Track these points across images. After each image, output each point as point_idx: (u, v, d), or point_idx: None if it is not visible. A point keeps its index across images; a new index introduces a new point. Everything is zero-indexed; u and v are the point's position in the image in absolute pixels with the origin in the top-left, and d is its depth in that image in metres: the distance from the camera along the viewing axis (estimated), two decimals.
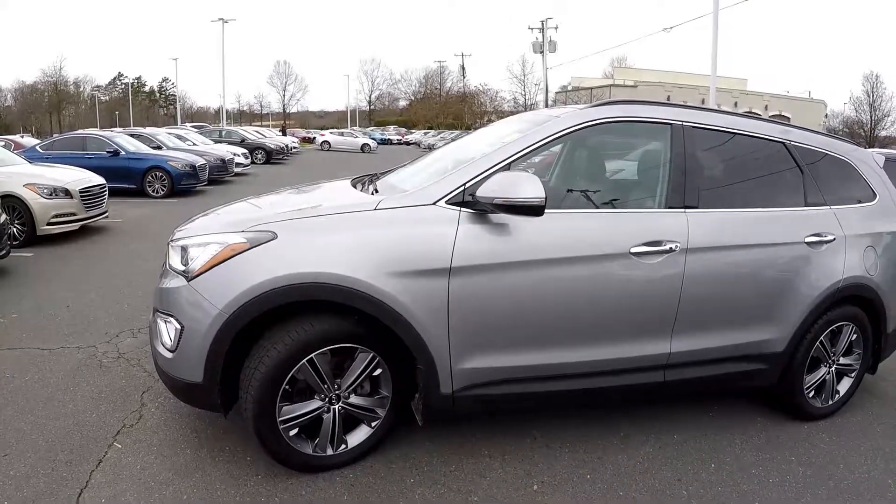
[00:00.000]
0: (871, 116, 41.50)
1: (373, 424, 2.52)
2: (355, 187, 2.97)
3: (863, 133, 40.77)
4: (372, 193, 2.73)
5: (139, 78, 78.83)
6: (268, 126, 56.20)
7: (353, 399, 2.45)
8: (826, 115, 47.11)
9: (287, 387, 2.31)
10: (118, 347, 3.86)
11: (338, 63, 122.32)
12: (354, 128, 55.16)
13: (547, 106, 40.79)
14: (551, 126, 2.68)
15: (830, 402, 3.27)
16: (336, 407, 2.42)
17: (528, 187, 2.28)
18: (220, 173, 15.12)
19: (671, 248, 2.66)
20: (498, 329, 2.45)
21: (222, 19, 37.32)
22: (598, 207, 2.76)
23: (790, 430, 3.15)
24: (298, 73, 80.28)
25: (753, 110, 44.49)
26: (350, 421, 2.49)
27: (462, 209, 2.39)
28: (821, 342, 3.14)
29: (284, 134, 35.56)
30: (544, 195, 2.29)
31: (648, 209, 2.84)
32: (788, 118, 44.94)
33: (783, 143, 3.17)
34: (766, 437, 3.06)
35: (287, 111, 75.31)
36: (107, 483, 2.37)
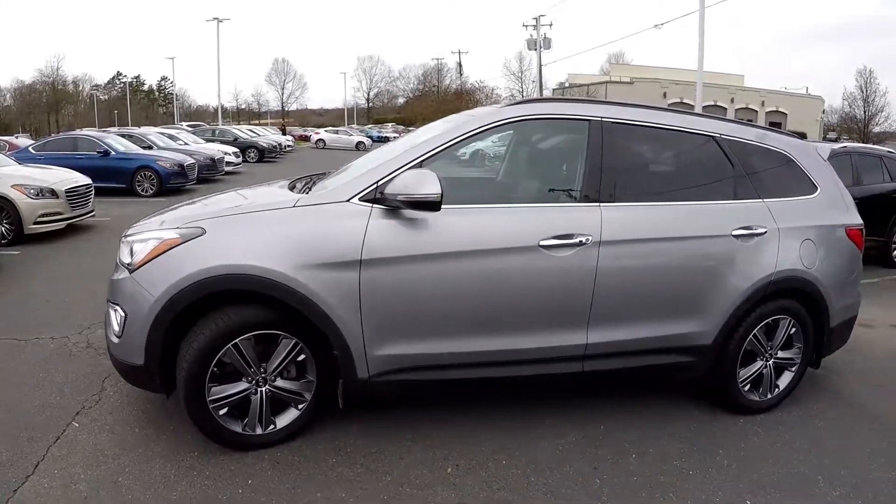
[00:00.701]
0: (864, 112, 41.64)
1: (300, 407, 2.78)
2: (293, 188, 3.16)
3: (856, 128, 40.88)
4: (304, 193, 2.91)
5: (138, 77, 79.19)
6: (266, 124, 56.53)
7: (280, 383, 2.73)
8: (823, 112, 47.19)
9: (215, 369, 2.59)
10: (88, 338, 4.16)
11: (337, 61, 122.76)
12: (351, 126, 55.40)
13: None
14: (465, 126, 2.87)
15: (769, 396, 3.30)
16: (263, 389, 2.70)
17: (427, 184, 2.51)
18: (210, 172, 15.44)
19: (581, 241, 2.77)
20: (409, 318, 2.66)
21: (217, 18, 37.64)
22: (511, 202, 3.00)
23: (725, 423, 3.19)
24: (297, 71, 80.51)
25: (750, 106, 44.62)
26: (279, 403, 2.76)
27: (374, 206, 2.62)
28: (755, 336, 3.17)
29: (284, 132, 35.82)
30: (440, 192, 2.50)
31: (562, 203, 2.97)
32: (785, 114, 45.10)
33: (713, 136, 3.22)
34: (697, 429, 3.11)
35: (286, 109, 75.69)
36: (61, 457, 2.67)
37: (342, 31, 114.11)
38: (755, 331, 3.17)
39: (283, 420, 2.78)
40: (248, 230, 2.63)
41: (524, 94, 43.49)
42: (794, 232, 3.23)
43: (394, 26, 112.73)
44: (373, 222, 2.60)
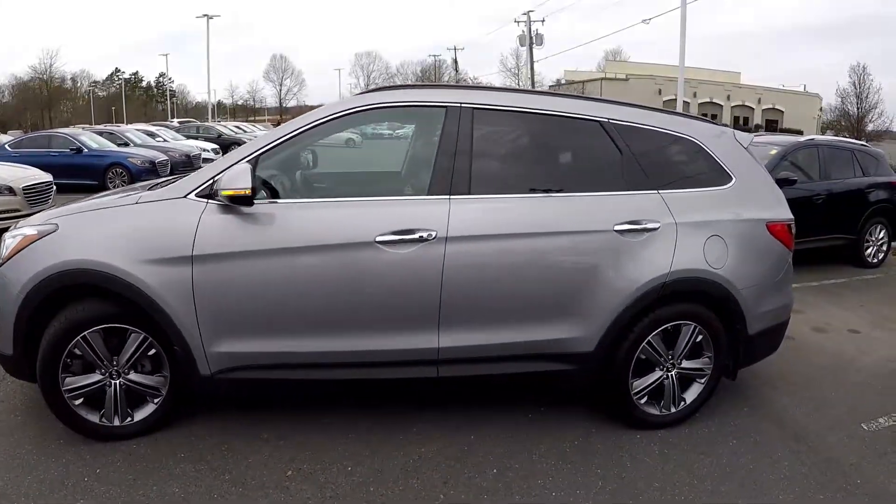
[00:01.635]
0: (857, 108, 41.46)
1: (156, 401, 2.83)
2: (155, 187, 3.07)
3: (848, 125, 40.71)
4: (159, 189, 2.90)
5: (136, 73, 79.34)
6: (263, 121, 56.38)
7: (134, 376, 2.79)
8: (821, 109, 47.00)
9: (68, 360, 2.67)
10: None
11: (336, 57, 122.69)
12: None
13: None
14: (311, 116, 2.82)
15: (674, 410, 3.02)
16: (117, 382, 2.77)
17: (240, 180, 2.51)
18: (185, 168, 15.52)
19: (422, 237, 2.61)
20: (245, 316, 2.64)
21: (207, 15, 37.75)
22: (360, 196, 2.97)
23: (617, 439, 2.93)
24: (296, 68, 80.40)
25: (746, 104, 44.49)
26: (135, 396, 2.82)
27: (209, 202, 2.62)
28: (650, 343, 2.90)
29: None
30: (248, 186, 2.50)
31: (407, 196, 2.91)
32: (782, 112, 44.94)
33: (599, 121, 2.95)
34: (580, 445, 2.87)
35: (284, 105, 75.75)
36: None
37: (341, 27, 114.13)
38: (650, 338, 2.89)
39: (140, 413, 2.84)
40: (94, 226, 2.71)
41: (534, 87, 43.46)
42: (696, 227, 2.91)
43: (392, 22, 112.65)
44: (205, 217, 2.61)
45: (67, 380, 2.71)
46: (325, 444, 2.83)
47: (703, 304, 2.97)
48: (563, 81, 50.43)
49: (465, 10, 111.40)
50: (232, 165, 2.64)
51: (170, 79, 75.26)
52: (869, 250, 7.31)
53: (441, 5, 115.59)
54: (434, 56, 62.46)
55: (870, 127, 40.05)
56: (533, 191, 2.84)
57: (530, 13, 35.77)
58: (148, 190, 2.94)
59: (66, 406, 2.73)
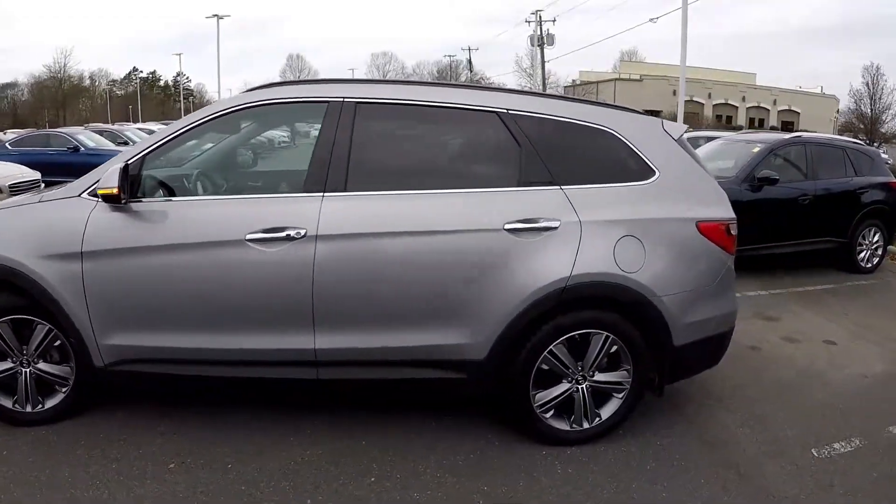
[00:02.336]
0: (871, 110, 40.73)
1: (64, 390, 2.95)
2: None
3: (862, 127, 40.01)
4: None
5: (154, 72, 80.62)
6: None
7: (43, 365, 2.92)
8: (838, 111, 46.32)
9: None
10: None
11: (352, 57, 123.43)
12: None
13: None
14: (196, 115, 2.89)
15: (586, 426, 2.85)
16: (27, 370, 2.91)
17: (110, 179, 2.59)
18: None
19: (290, 235, 2.60)
20: (130, 310, 2.74)
21: (217, 16, 38.47)
22: (242, 193, 3.02)
23: (521, 455, 2.78)
24: (312, 67, 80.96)
25: (762, 105, 44.07)
26: (45, 385, 2.96)
27: (98, 200, 2.70)
28: (552, 353, 2.74)
29: None
30: (115, 186, 2.57)
31: (282, 194, 2.91)
32: (798, 113, 44.37)
33: (497, 112, 2.80)
34: (475, 459, 2.74)
35: None
36: None
37: (357, 27, 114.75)
38: (552, 347, 2.73)
39: (50, 401, 2.98)
40: (4, 222, 2.88)
41: (546, 89, 43.33)
42: (605, 226, 2.73)
43: (408, 23, 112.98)
44: (94, 215, 2.71)
45: None
46: (218, 441, 2.87)
47: (615, 312, 2.77)
48: (577, 82, 50.31)
49: (482, 10, 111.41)
50: (116, 166, 2.71)
51: (187, 78, 76.42)
52: (862, 254, 6.92)
53: (458, 5, 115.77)
54: (449, 56, 62.44)
55: (883, 129, 39.33)
56: (415, 187, 2.76)
57: (539, 12, 35.77)
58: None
59: None
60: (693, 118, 33.70)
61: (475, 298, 2.67)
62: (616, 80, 45.88)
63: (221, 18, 38.29)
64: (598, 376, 2.87)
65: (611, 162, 2.94)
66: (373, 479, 2.61)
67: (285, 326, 2.69)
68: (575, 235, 2.71)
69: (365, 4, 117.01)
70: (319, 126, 2.80)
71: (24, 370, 2.94)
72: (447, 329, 2.70)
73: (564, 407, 2.87)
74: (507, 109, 2.84)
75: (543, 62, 37.19)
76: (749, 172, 6.46)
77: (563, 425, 2.88)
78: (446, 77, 63.62)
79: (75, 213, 2.74)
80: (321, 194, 2.68)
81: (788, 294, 5.86)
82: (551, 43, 36.60)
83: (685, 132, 3.18)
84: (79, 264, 2.71)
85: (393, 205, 2.73)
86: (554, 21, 36.98)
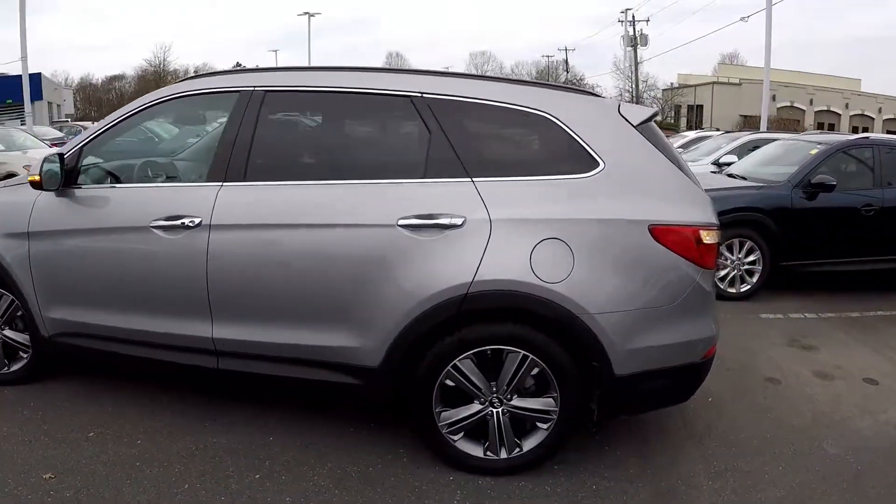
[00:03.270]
0: None
1: (26, 356, 3.22)
2: None
3: None
4: None
5: (256, 67, 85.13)
6: None
7: (8, 332, 3.20)
8: None
9: None
10: None
11: (451, 56, 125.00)
12: None
13: (637, 102, 39.55)
14: (128, 106, 3.02)
15: (504, 457, 2.53)
16: None
17: (36, 168, 2.79)
18: None
19: (185, 224, 2.60)
20: (64, 286, 2.92)
21: (307, 13, 40.31)
22: (165, 182, 3.07)
23: (423, 474, 2.56)
24: (410, 65, 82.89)
25: (866, 113, 40.37)
26: (11, 350, 3.24)
27: None
28: (457, 369, 2.45)
29: None
30: (36, 175, 2.77)
31: (186, 183, 3.00)
32: None
33: (410, 97, 2.56)
34: (375, 472, 2.58)
35: None
36: None
37: (457, 25, 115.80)
38: (457, 362, 2.44)
39: (16, 365, 3.27)
40: None
41: (633, 93, 41.94)
42: (522, 226, 2.39)
43: (508, 22, 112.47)
44: (39, 200, 2.92)
45: None
46: (141, 418, 2.97)
47: (536, 329, 2.41)
48: (674, 85, 48.43)
49: (582, 10, 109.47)
50: (68, 151, 2.91)
51: None
52: None
53: (560, 4, 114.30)
54: (547, 56, 61.31)
55: None
56: (316, 178, 2.66)
57: (629, 11, 34.90)
58: None
59: None
60: (792, 125, 31.32)
61: (365, 300, 2.47)
62: (714, 83, 43.66)
63: (313, 16, 40.07)
64: (518, 401, 2.51)
65: (542, 151, 2.61)
66: (257, 477, 2.55)
67: (187, 313, 2.70)
68: (483, 235, 2.38)
69: (468, 1, 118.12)
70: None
71: None
72: (338, 330, 2.53)
73: (478, 431, 2.56)
74: (422, 93, 2.57)
75: (636, 63, 36.09)
76: (803, 177, 5.66)
77: (476, 451, 2.55)
78: (545, 79, 63.02)
79: (25, 197, 2.97)
80: (220, 183, 2.65)
81: (837, 319, 5.06)
82: (644, 43, 35.54)
83: (651, 117, 2.67)
84: (26, 243, 2.96)
85: (288, 196, 2.61)
86: (647, 21, 35.84)
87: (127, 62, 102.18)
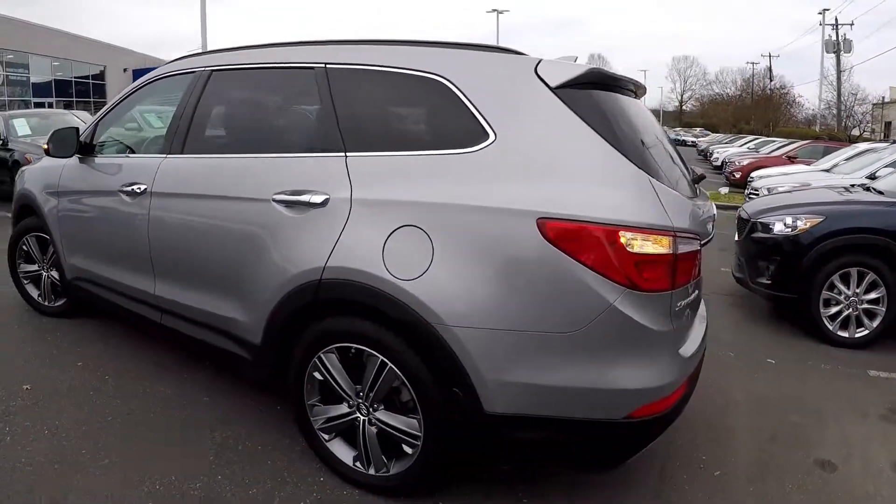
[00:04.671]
0: None
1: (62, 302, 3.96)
2: None
3: None
4: None
5: None
6: None
7: (54, 273, 3.90)
8: None
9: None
10: None
11: (654, 59, 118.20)
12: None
13: (843, 117, 33.37)
14: (119, 95, 3.53)
15: (373, 473, 2.28)
16: (45, 274, 3.98)
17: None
18: None
19: (134, 190, 2.95)
20: (73, 237, 3.50)
21: (496, 10, 41.04)
22: (148, 154, 3.32)
23: (292, 467, 2.46)
24: (614, 68, 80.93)
25: None
26: (56, 287, 3.94)
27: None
28: (323, 364, 2.27)
29: None
30: (44, 145, 3.43)
31: (146, 155, 3.26)
32: None
33: (313, 67, 2.46)
34: (250, 452, 2.56)
35: None
36: None
37: (661, 30, 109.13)
38: (322, 354, 2.26)
39: (59, 301, 4.01)
40: (34, 170, 4.00)
41: (841, 103, 35.65)
42: (380, 208, 2.11)
43: (712, 28, 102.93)
44: (67, 164, 3.53)
45: (21, 265, 4.05)
46: (125, 364, 3.38)
47: (393, 332, 2.08)
48: (885, 99, 40.39)
49: (789, 17, 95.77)
50: (88, 127, 3.54)
51: None
52: None
53: (766, 11, 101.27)
54: (752, 63, 55.14)
55: None
56: (231, 152, 2.77)
57: (827, 12, 29.91)
58: None
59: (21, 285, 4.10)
60: None
61: (246, 274, 2.46)
62: None
63: (501, 13, 41.02)
64: (382, 414, 2.21)
65: (429, 121, 2.28)
66: (143, 447, 2.60)
67: (138, 269, 3.03)
68: (342, 216, 2.18)
69: (669, 8, 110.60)
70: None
71: (44, 274, 3.97)
72: (230, 301, 2.57)
73: (348, 437, 2.36)
74: (325, 64, 2.44)
75: (839, 70, 31.17)
76: None
77: (346, 458, 2.34)
78: (749, 86, 56.80)
79: (60, 163, 3.59)
80: (164, 156, 2.94)
81: None
82: (848, 50, 30.58)
83: (585, 76, 2.07)
84: (56, 199, 3.62)
85: (201, 168, 2.76)
86: (851, 25, 30.81)
87: None
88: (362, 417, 2.25)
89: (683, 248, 1.96)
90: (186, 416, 2.86)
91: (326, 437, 2.38)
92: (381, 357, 2.11)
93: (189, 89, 2.93)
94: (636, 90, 2.49)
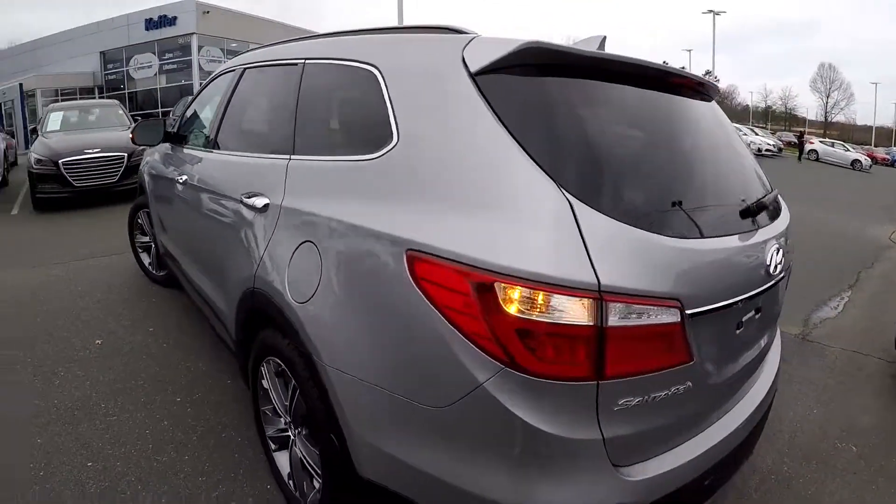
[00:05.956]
0: None
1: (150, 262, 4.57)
2: None
3: None
4: None
5: (682, 68, 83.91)
6: (801, 132, 51.85)
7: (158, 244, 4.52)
8: None
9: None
10: None
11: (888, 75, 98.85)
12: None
13: None
14: (199, 89, 3.81)
15: (297, 494, 2.14)
16: (153, 244, 4.62)
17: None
18: None
19: (183, 181, 3.24)
20: (160, 215, 3.96)
21: (712, 11, 37.75)
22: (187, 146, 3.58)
23: (238, 461, 2.53)
24: (845, 80, 70.45)
25: None
26: (160, 258, 4.55)
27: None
28: (265, 368, 2.21)
29: (800, 141, 32.25)
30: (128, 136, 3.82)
31: (193, 148, 3.41)
32: None
33: (296, 65, 2.37)
34: (194, 420, 2.82)
35: (829, 119, 67.93)
36: None
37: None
38: (264, 364, 2.19)
39: (162, 271, 4.65)
40: (150, 152, 4.54)
41: None
42: (295, 219, 1.97)
43: None
44: (160, 149, 3.99)
45: (137, 236, 4.74)
46: (182, 343, 3.83)
47: (300, 357, 1.87)
48: None
49: None
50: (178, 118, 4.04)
51: (716, 77, 76.83)
52: None
53: None
54: None
55: None
56: (228, 150, 2.88)
57: None
58: None
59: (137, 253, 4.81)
60: None
61: (224, 268, 2.56)
62: None
63: (718, 14, 37.73)
64: (301, 439, 2.09)
65: (355, 119, 2.06)
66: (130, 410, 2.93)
67: (186, 250, 3.42)
68: (272, 224, 2.09)
69: None
70: None
71: (153, 245, 4.64)
72: (219, 291, 2.72)
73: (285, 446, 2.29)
74: (305, 60, 2.33)
75: None
76: None
77: (284, 471, 2.24)
78: None
79: (161, 148, 4.00)
80: (203, 150, 3.20)
81: None
82: None
83: (511, 53, 1.54)
84: (153, 181, 4.14)
85: (215, 164, 2.95)
86: None
87: None
88: (292, 437, 2.15)
89: (631, 320, 1.36)
90: (202, 394, 3.11)
91: (274, 446, 2.32)
92: (293, 379, 1.95)
93: (228, 87, 3.14)
94: (669, 78, 1.88)
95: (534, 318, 1.32)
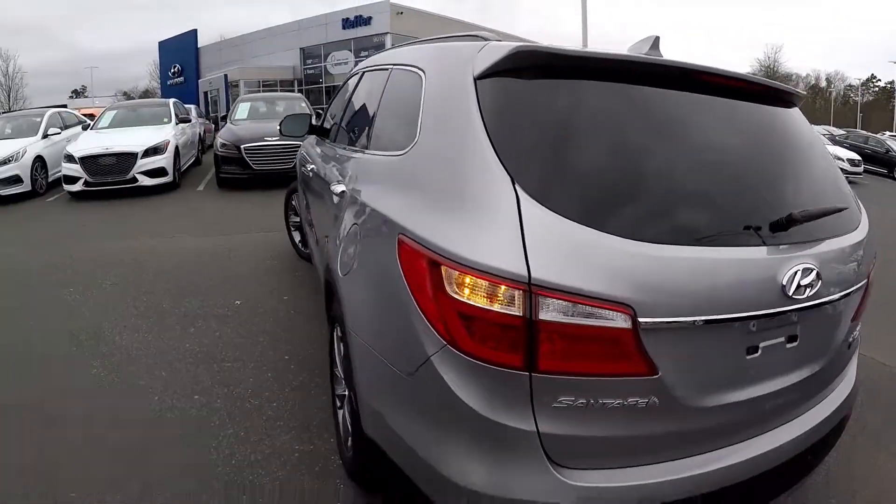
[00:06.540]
0: None
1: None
2: None
3: None
4: None
5: (892, 82, 72.32)
6: None
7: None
8: None
9: None
10: None
11: None
12: None
13: None
14: (339, 87, 4.14)
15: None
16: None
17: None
18: None
19: (309, 168, 3.79)
20: (303, 202, 4.51)
21: None
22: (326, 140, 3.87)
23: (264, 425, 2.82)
24: None
25: None
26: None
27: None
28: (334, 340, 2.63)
29: None
30: (277, 127, 4.28)
31: (335, 145, 3.54)
32: None
33: (387, 69, 2.70)
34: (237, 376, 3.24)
35: None
36: None
37: None
38: (334, 329, 2.60)
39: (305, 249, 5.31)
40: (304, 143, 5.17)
41: None
42: (352, 205, 2.37)
43: None
44: (308, 139, 4.54)
45: (291, 217, 5.55)
46: (306, 312, 4.45)
47: (342, 320, 2.29)
48: None
49: None
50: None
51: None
52: None
53: None
54: None
55: None
56: (352, 146, 2.99)
57: None
58: None
59: (290, 232, 5.64)
60: None
61: (322, 243, 3.14)
62: None
63: None
64: (347, 400, 2.43)
65: (403, 118, 2.20)
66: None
67: (315, 229, 3.83)
68: (342, 208, 2.52)
69: None
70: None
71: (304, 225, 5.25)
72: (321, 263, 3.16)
73: None
74: (394, 66, 2.61)
75: None
76: None
77: (341, 425, 2.52)
78: None
79: (309, 139, 4.48)
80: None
81: None
82: None
83: (502, 59, 1.67)
84: (302, 167, 4.51)
85: (327, 155, 3.40)
86: None
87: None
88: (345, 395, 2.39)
89: (569, 318, 1.41)
90: (306, 357, 3.49)
91: (338, 404, 2.56)
92: (342, 344, 2.28)
93: (350, 87, 3.54)
94: (685, 75, 1.79)
95: (470, 302, 1.46)
